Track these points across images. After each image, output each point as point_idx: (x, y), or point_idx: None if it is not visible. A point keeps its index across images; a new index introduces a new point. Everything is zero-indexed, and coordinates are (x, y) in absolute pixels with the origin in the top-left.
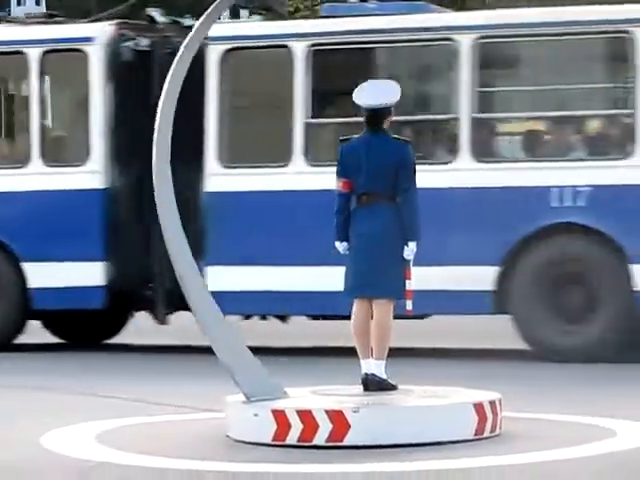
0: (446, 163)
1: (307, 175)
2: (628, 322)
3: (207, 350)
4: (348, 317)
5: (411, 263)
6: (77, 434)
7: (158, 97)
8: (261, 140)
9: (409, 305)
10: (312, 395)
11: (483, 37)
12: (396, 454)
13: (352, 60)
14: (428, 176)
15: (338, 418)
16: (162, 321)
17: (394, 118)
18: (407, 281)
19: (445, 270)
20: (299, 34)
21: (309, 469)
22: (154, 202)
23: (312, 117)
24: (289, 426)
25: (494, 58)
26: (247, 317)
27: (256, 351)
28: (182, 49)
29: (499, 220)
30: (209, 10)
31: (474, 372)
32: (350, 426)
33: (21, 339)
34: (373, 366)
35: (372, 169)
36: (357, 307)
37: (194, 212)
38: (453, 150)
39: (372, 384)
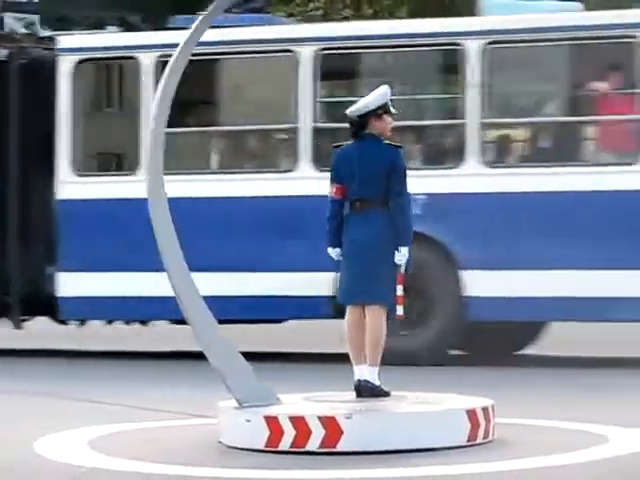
0: (288, 172)
1: None
2: (459, 326)
3: (199, 356)
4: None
5: (402, 268)
6: (70, 440)
7: (15, 106)
8: (112, 149)
9: (400, 310)
10: (305, 401)
11: (323, 49)
12: (389, 460)
13: (199, 71)
14: (270, 185)
15: (331, 424)
16: (18, 326)
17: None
18: (398, 286)
19: (285, 276)
20: (147, 46)
21: (302, 475)
22: (6, 209)
23: None
24: (282, 432)
25: (334, 69)
26: (110, 322)
27: (248, 357)
28: (176, 54)
29: None
30: (205, 14)
31: (466, 378)
32: (343, 432)
33: (14, 344)
34: (366, 372)
35: (364, 175)
36: (350, 313)
37: (47, 219)
38: (294, 159)
39: (365, 390)
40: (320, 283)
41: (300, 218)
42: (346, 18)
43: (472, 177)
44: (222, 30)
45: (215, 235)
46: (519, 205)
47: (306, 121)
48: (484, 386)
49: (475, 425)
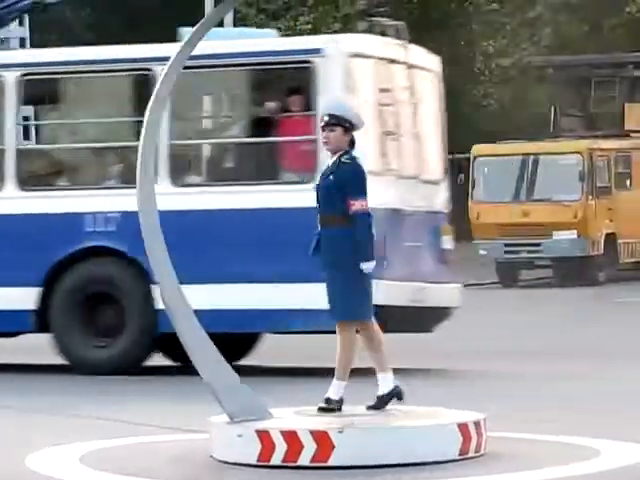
0: None
1: None
2: (150, 337)
3: (190, 371)
4: None
5: None
6: (61, 455)
7: None
8: None
9: None
10: (296, 415)
11: (25, 74)
12: (381, 474)
13: None
14: None
15: (322, 438)
16: None
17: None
18: None
19: None
20: None
21: None
22: None
23: None
24: (273, 446)
25: (37, 93)
26: None
27: (240, 371)
28: (173, 59)
29: (40, 244)
30: (205, 17)
31: (457, 392)
32: (334, 446)
33: (4, 359)
34: (332, 389)
35: (323, 191)
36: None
37: None
38: (1, 179)
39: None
40: (23, 298)
41: (6, 236)
42: (335, 32)
43: (161, 196)
44: None
45: None
46: (205, 222)
47: (11, 143)
48: (474, 400)
49: (467, 439)
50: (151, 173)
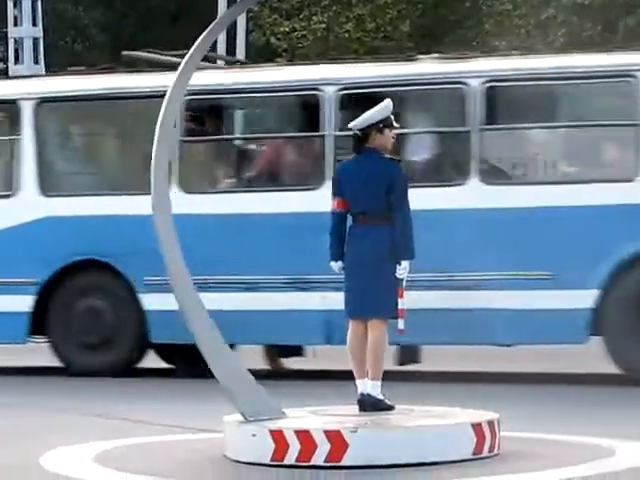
0: None
1: None
2: None
3: (203, 370)
4: None
5: (404, 282)
6: (75, 454)
7: None
8: None
9: (401, 324)
10: (310, 415)
11: None
12: (394, 474)
13: None
14: None
15: (336, 438)
16: None
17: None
18: (400, 300)
19: None
20: None
21: None
22: None
23: None
24: (287, 446)
25: None
26: None
27: (254, 372)
28: (188, 55)
29: None
30: (219, 17)
31: (470, 393)
32: (348, 446)
33: (27, 361)
34: (369, 386)
35: (363, 189)
36: (352, 327)
37: None
38: None
39: (368, 405)
40: None
41: None
42: (348, 32)
43: None
44: None
45: None
46: None
47: None
48: (487, 400)
49: (481, 439)
50: (165, 176)
